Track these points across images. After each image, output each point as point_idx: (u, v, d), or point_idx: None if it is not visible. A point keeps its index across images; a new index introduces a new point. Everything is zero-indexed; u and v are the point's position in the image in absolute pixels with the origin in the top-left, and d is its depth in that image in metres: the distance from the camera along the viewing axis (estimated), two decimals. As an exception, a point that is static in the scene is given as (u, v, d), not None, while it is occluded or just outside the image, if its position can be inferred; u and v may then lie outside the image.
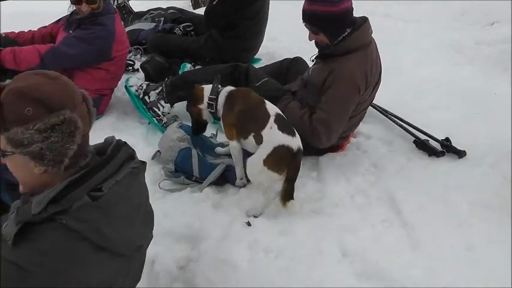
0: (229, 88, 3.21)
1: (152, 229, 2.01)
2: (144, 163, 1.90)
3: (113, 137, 1.89)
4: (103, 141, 1.87)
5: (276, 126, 2.93)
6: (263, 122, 2.95)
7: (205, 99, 3.20)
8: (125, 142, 1.86)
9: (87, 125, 1.71)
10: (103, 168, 1.71)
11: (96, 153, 1.82)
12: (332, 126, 3.24)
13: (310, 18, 3.20)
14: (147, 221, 1.96)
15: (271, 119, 2.96)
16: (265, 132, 2.94)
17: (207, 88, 3.22)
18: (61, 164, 1.64)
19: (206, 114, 3.27)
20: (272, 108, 3.05)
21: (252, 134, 2.99)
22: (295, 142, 2.93)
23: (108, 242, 1.68)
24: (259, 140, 2.95)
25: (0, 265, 1.60)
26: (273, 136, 2.92)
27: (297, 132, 2.99)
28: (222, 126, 3.20)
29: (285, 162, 2.90)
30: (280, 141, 2.90)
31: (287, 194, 2.89)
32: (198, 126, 3.36)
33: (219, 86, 3.23)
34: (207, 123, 3.39)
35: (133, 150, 1.86)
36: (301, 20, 3.25)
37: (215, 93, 3.18)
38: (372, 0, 5.94)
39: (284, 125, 2.96)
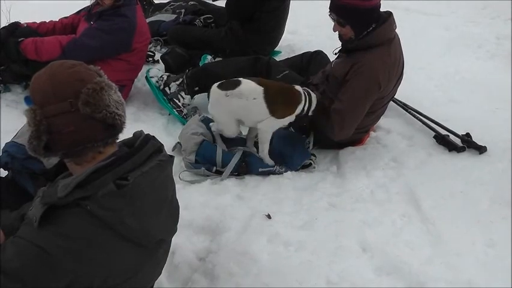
0: None
1: (176, 224, 2.02)
2: (171, 157, 1.92)
3: (141, 131, 1.91)
4: (132, 135, 1.90)
5: None
6: None
7: None
8: (153, 136, 1.88)
9: None
10: (130, 158, 1.74)
11: (124, 145, 1.85)
12: (346, 118, 3.25)
13: (339, 9, 3.17)
14: (172, 215, 1.97)
15: None
16: None
17: None
18: None
19: None
20: None
21: None
22: None
23: (130, 232, 1.70)
24: None
25: (23, 246, 1.64)
26: None
27: None
28: None
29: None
30: None
31: None
32: None
33: None
34: None
35: (161, 144, 1.89)
36: (328, 10, 3.22)
37: None
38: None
39: None
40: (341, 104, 3.21)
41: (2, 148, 2.61)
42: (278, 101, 3.20)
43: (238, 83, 3.20)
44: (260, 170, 3.31)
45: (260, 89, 3.17)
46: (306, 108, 3.23)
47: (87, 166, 1.71)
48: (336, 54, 3.44)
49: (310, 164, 3.37)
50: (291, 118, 3.26)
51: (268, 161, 3.31)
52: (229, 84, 3.23)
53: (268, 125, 3.25)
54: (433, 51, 5.12)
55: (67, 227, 1.63)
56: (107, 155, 1.75)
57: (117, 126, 1.75)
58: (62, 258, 1.61)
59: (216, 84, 3.28)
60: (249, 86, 3.19)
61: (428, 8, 6.29)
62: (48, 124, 1.67)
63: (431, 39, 5.43)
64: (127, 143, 1.87)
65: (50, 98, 1.67)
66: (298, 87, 3.27)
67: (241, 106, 3.19)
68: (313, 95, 3.28)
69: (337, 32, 3.30)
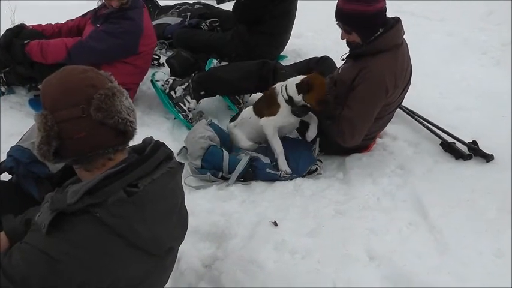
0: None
1: (185, 232, 2.02)
2: (181, 164, 1.91)
3: (151, 137, 1.91)
4: (141, 142, 1.88)
5: None
6: None
7: None
8: (163, 143, 1.87)
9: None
10: (140, 165, 1.73)
11: (134, 152, 1.83)
12: (356, 126, 3.25)
13: (343, 17, 3.19)
14: (181, 222, 1.96)
15: None
16: None
17: None
18: None
19: None
20: None
21: None
22: None
23: (140, 240, 1.70)
24: None
25: (31, 253, 1.63)
26: None
27: None
28: None
29: None
30: None
31: None
32: None
33: None
34: None
35: (171, 151, 1.87)
36: (334, 19, 3.24)
37: None
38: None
39: None
40: (350, 111, 3.21)
41: (6, 152, 2.60)
42: (260, 104, 3.53)
43: (239, 113, 3.73)
44: (268, 171, 3.31)
45: (251, 108, 3.60)
46: (287, 94, 3.31)
47: (97, 173, 1.70)
48: (343, 60, 3.44)
49: (316, 169, 3.35)
50: (283, 112, 3.35)
51: (283, 166, 3.34)
52: (234, 117, 3.74)
53: (266, 124, 3.39)
54: (438, 57, 5.10)
55: (76, 234, 1.62)
56: (117, 161, 1.74)
57: (129, 133, 1.74)
58: (70, 265, 1.60)
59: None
60: (245, 110, 3.66)
61: (434, 13, 6.27)
62: (59, 129, 1.66)
63: (436, 44, 5.42)
64: (137, 149, 1.86)
65: (62, 103, 1.66)
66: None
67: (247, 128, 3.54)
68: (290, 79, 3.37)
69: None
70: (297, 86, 3.24)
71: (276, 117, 3.37)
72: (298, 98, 3.26)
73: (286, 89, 3.32)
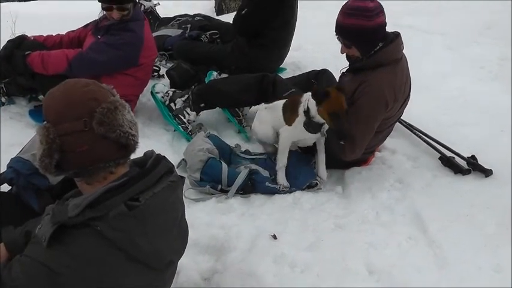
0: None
1: (185, 245, 2.03)
2: (182, 178, 1.92)
3: (152, 150, 1.91)
4: (142, 155, 1.89)
5: None
6: None
7: None
8: (164, 156, 1.88)
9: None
10: (142, 179, 1.73)
11: (135, 166, 1.84)
12: (357, 140, 3.24)
13: (343, 31, 3.20)
14: (181, 236, 1.97)
15: None
16: None
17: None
18: None
19: None
20: None
21: None
22: None
23: (140, 253, 1.70)
24: None
25: (31, 266, 1.64)
26: None
27: None
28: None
29: None
30: None
31: None
32: None
33: None
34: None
35: (172, 165, 1.88)
36: (333, 32, 3.26)
37: None
38: (396, 5, 5.89)
39: None
40: (350, 125, 3.21)
41: (6, 162, 2.60)
42: (285, 108, 3.43)
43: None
44: (267, 184, 3.31)
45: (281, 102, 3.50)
46: (307, 106, 3.21)
47: (98, 186, 1.71)
48: (343, 73, 3.45)
49: (316, 184, 3.35)
50: (298, 125, 3.28)
51: (282, 180, 3.33)
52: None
53: (284, 136, 3.37)
54: (436, 71, 5.11)
55: (76, 247, 1.62)
56: (118, 175, 1.75)
57: (130, 147, 1.74)
58: (70, 278, 1.60)
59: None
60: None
61: (432, 27, 6.31)
62: (61, 142, 1.66)
63: (435, 58, 5.44)
64: (138, 162, 1.86)
65: (64, 116, 1.67)
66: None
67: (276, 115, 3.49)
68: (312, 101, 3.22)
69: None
70: (313, 93, 3.12)
71: (292, 128, 3.32)
72: (314, 111, 3.17)
73: (308, 99, 3.22)
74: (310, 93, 3.17)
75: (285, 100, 3.51)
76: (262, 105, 3.68)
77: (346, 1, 3.23)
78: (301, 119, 3.26)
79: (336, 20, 3.22)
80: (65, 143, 1.67)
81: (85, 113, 1.66)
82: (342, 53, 3.31)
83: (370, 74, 3.21)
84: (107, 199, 1.64)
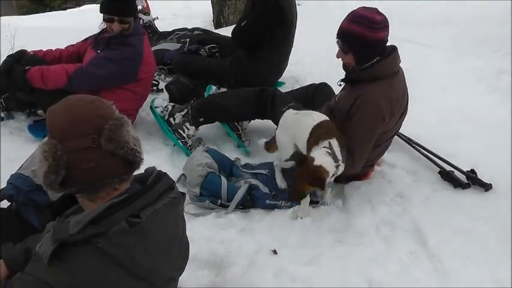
0: None
1: (186, 262, 2.03)
2: (183, 194, 1.92)
3: (154, 167, 1.91)
4: (144, 171, 1.89)
5: None
6: None
7: None
8: (165, 173, 1.88)
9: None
10: (143, 195, 1.74)
11: (136, 182, 1.84)
12: (356, 155, 3.23)
13: (345, 36, 3.19)
14: (182, 252, 1.97)
15: None
16: None
17: None
18: None
19: None
20: None
21: None
22: None
23: (141, 270, 1.70)
24: None
25: (32, 283, 1.63)
26: None
27: None
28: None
29: None
30: None
31: None
32: None
33: None
34: None
35: (173, 181, 1.88)
36: (332, 44, 3.26)
37: None
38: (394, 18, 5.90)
39: None
40: (349, 140, 3.21)
41: (6, 178, 2.60)
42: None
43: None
44: (267, 202, 3.30)
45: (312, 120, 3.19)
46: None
47: (100, 202, 1.70)
48: (340, 85, 3.45)
49: (318, 201, 3.34)
50: None
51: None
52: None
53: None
54: (434, 84, 5.12)
55: (77, 264, 1.62)
56: (121, 191, 1.75)
57: (136, 163, 1.75)
58: None
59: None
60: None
61: (429, 40, 6.31)
62: (67, 159, 1.66)
63: (432, 71, 5.45)
64: (139, 179, 1.86)
65: (70, 133, 1.67)
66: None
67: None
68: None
69: (340, 60, 3.32)
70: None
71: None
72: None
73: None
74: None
75: (319, 120, 3.19)
76: (293, 111, 3.42)
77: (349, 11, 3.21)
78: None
79: (340, 24, 3.21)
80: (71, 159, 1.66)
81: (92, 129, 1.67)
82: (338, 58, 3.30)
83: (366, 87, 3.20)
84: (109, 215, 1.64)
